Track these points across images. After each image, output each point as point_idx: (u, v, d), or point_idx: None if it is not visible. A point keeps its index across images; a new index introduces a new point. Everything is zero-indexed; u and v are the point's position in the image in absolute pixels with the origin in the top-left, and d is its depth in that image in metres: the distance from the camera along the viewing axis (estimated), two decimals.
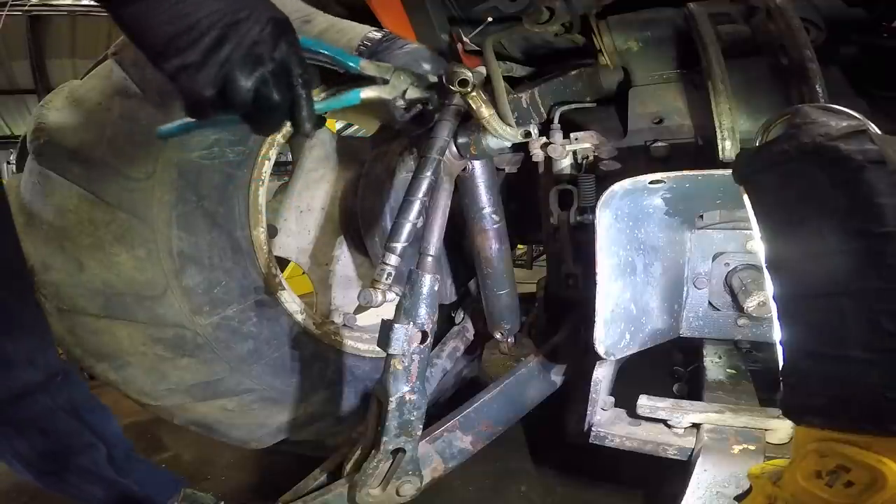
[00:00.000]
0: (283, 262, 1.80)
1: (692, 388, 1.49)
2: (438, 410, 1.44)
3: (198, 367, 1.34)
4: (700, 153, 1.36)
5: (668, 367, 1.62)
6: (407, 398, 1.08)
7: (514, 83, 1.69)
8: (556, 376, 1.49)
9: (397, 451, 1.12)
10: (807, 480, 0.69)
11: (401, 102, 1.15)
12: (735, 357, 1.51)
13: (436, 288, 1.09)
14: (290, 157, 1.92)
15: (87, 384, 1.22)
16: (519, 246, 4.79)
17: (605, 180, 1.32)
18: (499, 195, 1.42)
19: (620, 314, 1.21)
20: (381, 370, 1.10)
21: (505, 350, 1.65)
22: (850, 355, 0.63)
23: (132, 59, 1.23)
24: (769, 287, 0.73)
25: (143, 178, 1.22)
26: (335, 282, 1.91)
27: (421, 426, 1.13)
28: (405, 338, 1.05)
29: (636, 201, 1.18)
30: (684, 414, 1.21)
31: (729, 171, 0.81)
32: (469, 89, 1.05)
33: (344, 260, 1.93)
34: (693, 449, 1.17)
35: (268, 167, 1.43)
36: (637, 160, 1.41)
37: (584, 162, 1.45)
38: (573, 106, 1.60)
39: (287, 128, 1.16)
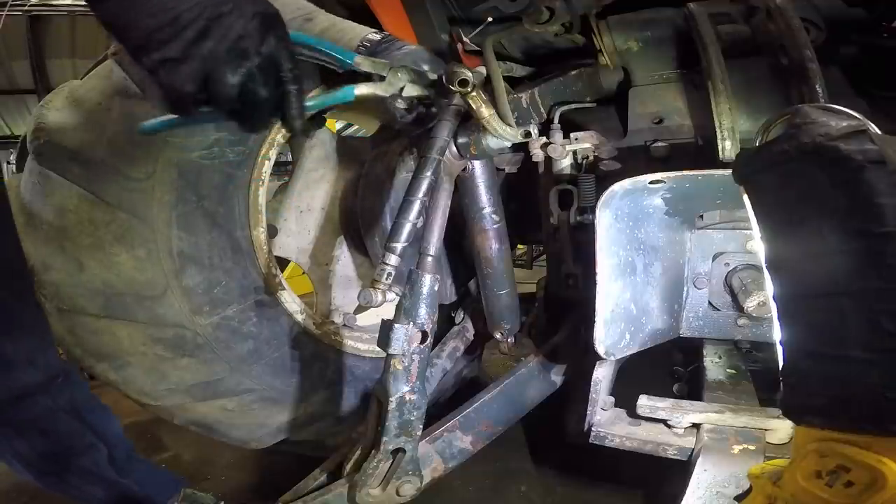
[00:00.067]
0: (283, 262, 1.80)
1: (692, 388, 1.49)
2: (438, 410, 1.44)
3: (198, 367, 1.34)
4: (700, 153, 1.36)
5: (668, 367, 1.62)
6: (407, 398, 1.08)
7: (514, 83, 1.69)
8: (556, 376, 1.49)
9: (397, 451, 1.12)
10: (807, 480, 0.69)
11: (401, 102, 1.15)
12: (735, 357, 1.51)
13: (436, 288, 1.09)
14: (290, 157, 1.92)
15: (88, 384, 1.21)
16: (519, 246, 4.80)
17: (605, 180, 1.33)
18: (499, 195, 1.42)
19: (620, 314, 1.21)
20: (381, 370, 1.10)
21: (505, 350, 1.65)
22: (850, 355, 0.63)
23: (132, 59, 1.23)
24: (769, 287, 0.73)
25: (143, 178, 1.22)
26: (335, 282, 1.91)
27: (421, 426, 1.13)
28: (405, 338, 1.05)
29: (636, 201, 1.18)
30: (684, 414, 1.21)
31: (729, 171, 0.81)
32: (469, 89, 1.05)
33: (344, 260, 1.93)
34: (693, 449, 1.17)
35: (268, 167, 1.42)
36: (637, 160, 1.41)
37: (584, 162, 1.45)
38: (573, 106, 1.60)
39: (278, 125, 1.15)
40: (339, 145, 1.88)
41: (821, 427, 0.67)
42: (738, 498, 1.03)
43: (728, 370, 1.44)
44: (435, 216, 1.17)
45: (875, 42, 1.44)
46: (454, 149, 1.23)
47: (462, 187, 1.36)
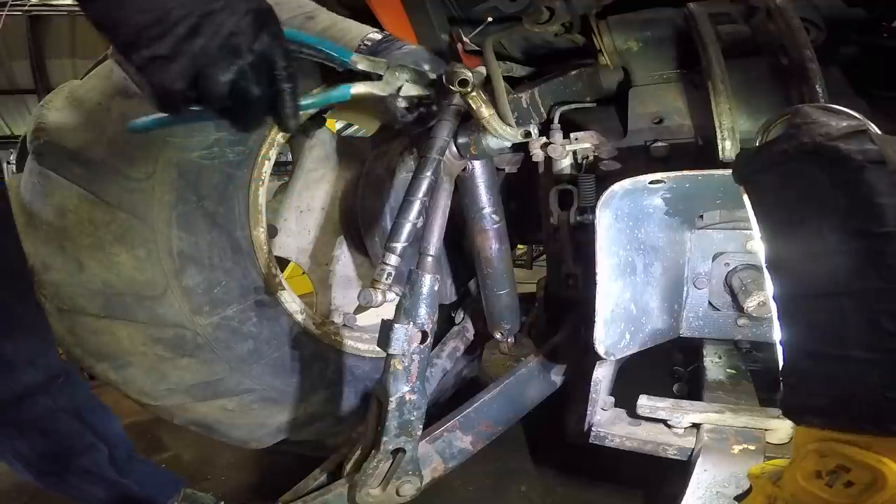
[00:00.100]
0: (283, 262, 1.80)
1: (692, 388, 1.49)
2: (438, 410, 1.44)
3: (198, 367, 1.34)
4: (700, 153, 1.36)
5: (668, 367, 1.62)
6: (407, 398, 1.08)
7: (514, 83, 1.69)
8: (556, 376, 1.49)
9: (397, 451, 1.12)
10: (807, 480, 0.69)
11: (402, 102, 1.15)
12: (735, 357, 1.51)
13: (436, 288, 1.09)
14: (290, 157, 1.92)
15: (89, 384, 1.21)
16: (519, 246, 4.80)
17: (605, 180, 1.33)
18: (499, 195, 1.42)
19: (620, 314, 1.21)
20: (381, 370, 1.10)
21: (505, 350, 1.65)
22: (851, 355, 0.63)
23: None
24: (769, 287, 0.73)
25: (143, 178, 1.22)
26: (335, 282, 1.91)
27: (421, 426, 1.13)
28: (405, 338, 1.05)
29: (636, 201, 1.18)
30: (684, 414, 1.21)
31: (729, 171, 0.81)
32: (469, 89, 1.05)
33: (344, 260, 1.93)
34: (693, 449, 1.17)
35: (268, 167, 1.42)
36: (637, 160, 1.41)
37: (584, 162, 1.45)
38: (573, 106, 1.60)
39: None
40: (339, 145, 1.88)
41: (821, 427, 0.67)
42: (738, 498, 1.03)
43: (728, 370, 1.44)
44: (435, 216, 1.17)
45: (875, 42, 1.44)
46: (454, 149, 1.23)
47: (462, 187, 1.36)
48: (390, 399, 1.07)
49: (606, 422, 1.29)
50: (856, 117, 0.67)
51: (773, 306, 0.72)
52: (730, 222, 1.31)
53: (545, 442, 1.83)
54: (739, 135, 1.27)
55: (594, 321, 1.17)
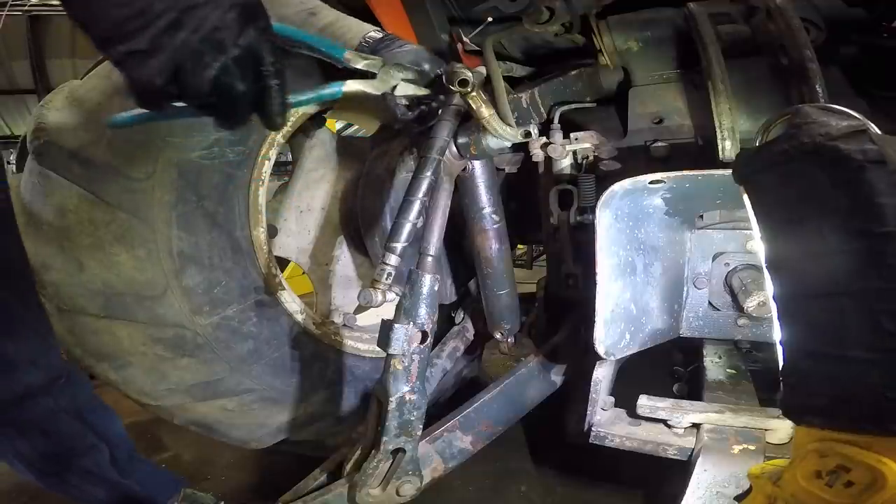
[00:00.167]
0: (283, 262, 1.80)
1: (692, 388, 1.49)
2: (438, 410, 1.44)
3: (198, 367, 1.34)
4: (700, 153, 1.36)
5: (668, 367, 1.62)
6: (407, 398, 1.08)
7: (514, 83, 1.69)
8: (556, 376, 1.49)
9: (397, 451, 1.12)
10: (807, 480, 0.69)
11: (402, 100, 1.14)
12: (735, 357, 1.51)
13: (436, 288, 1.09)
14: (290, 157, 1.92)
15: (90, 384, 1.21)
16: (519, 246, 4.80)
17: (605, 180, 1.33)
18: (499, 195, 1.42)
19: (620, 314, 1.21)
20: (381, 370, 1.10)
21: (505, 350, 1.65)
22: (851, 355, 0.63)
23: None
24: (769, 287, 0.73)
25: (143, 178, 1.22)
26: (335, 282, 1.91)
27: (421, 426, 1.13)
28: (405, 338, 1.05)
29: (636, 201, 1.18)
30: (684, 414, 1.21)
31: (729, 171, 0.81)
32: (469, 89, 1.05)
33: (344, 260, 1.93)
34: (693, 449, 1.17)
35: (268, 167, 1.42)
36: (637, 160, 1.41)
37: (584, 162, 1.45)
38: (573, 106, 1.60)
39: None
40: (339, 145, 1.88)
41: (821, 427, 0.67)
42: (738, 498, 1.03)
43: (728, 370, 1.44)
44: (435, 216, 1.17)
45: (875, 42, 1.44)
46: (454, 149, 1.23)
47: (462, 187, 1.36)
48: (390, 399, 1.07)
49: (606, 422, 1.29)
50: (856, 117, 0.67)
51: (773, 306, 0.72)
52: (730, 222, 1.31)
53: (545, 442, 1.83)
54: (739, 135, 1.27)
55: (594, 321, 1.17)
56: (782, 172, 0.69)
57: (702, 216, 1.32)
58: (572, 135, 1.45)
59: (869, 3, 1.47)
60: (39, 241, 1.21)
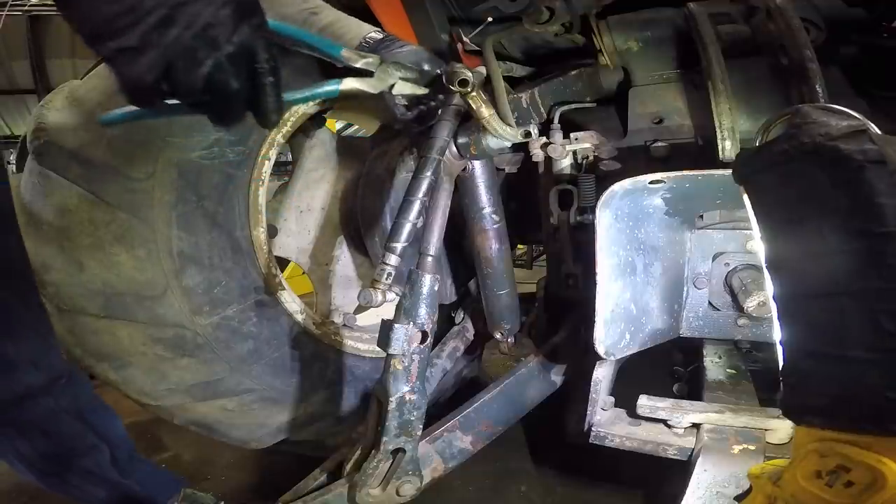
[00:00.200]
0: (283, 262, 1.80)
1: (692, 388, 1.49)
2: (438, 410, 1.44)
3: (198, 367, 1.34)
4: (700, 153, 1.36)
5: (668, 367, 1.62)
6: (407, 398, 1.08)
7: (514, 83, 1.69)
8: (556, 376, 1.49)
9: (397, 451, 1.12)
10: (807, 480, 0.69)
11: (401, 99, 1.14)
12: (735, 357, 1.51)
13: (436, 288, 1.09)
14: (290, 157, 1.92)
15: (91, 384, 1.21)
16: (519, 246, 4.80)
17: (605, 180, 1.32)
18: (499, 195, 1.42)
19: (620, 314, 1.21)
20: (381, 370, 1.10)
21: (505, 350, 1.65)
22: (851, 355, 0.63)
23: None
24: (769, 287, 0.73)
25: (143, 178, 1.22)
26: (335, 282, 1.92)
27: (421, 426, 1.13)
28: (405, 338, 1.05)
29: (636, 201, 1.18)
30: (684, 414, 1.21)
31: (729, 171, 0.81)
32: (469, 89, 1.05)
33: (344, 260, 1.93)
34: (693, 449, 1.17)
35: (268, 167, 1.43)
36: (637, 160, 1.41)
37: (584, 162, 1.45)
38: (573, 106, 1.60)
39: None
40: (339, 145, 1.88)
41: (821, 427, 0.67)
42: (738, 498, 1.03)
43: (728, 370, 1.44)
44: (435, 216, 1.17)
45: (875, 42, 1.44)
46: (454, 149, 1.23)
47: (462, 187, 1.36)
48: (390, 399, 1.07)
49: (606, 422, 1.29)
50: (856, 117, 0.67)
51: (773, 306, 0.72)
52: (730, 222, 1.31)
53: (545, 442, 1.83)
54: (739, 135, 1.27)
55: (594, 321, 1.17)
56: (782, 172, 0.69)
57: (702, 216, 1.32)
58: (572, 135, 1.45)
59: (869, 3, 1.47)
60: (39, 241, 1.21)
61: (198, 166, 1.28)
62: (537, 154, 1.48)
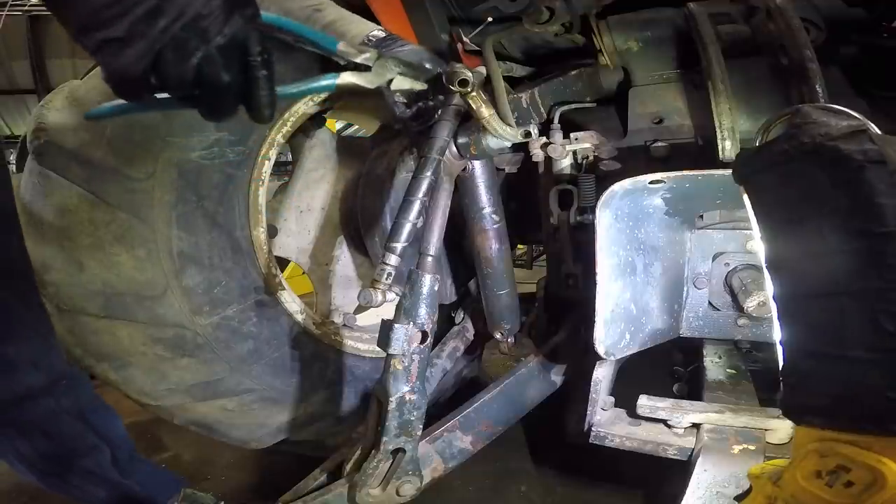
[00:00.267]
0: (283, 262, 1.80)
1: (692, 388, 1.49)
2: (438, 410, 1.44)
3: (198, 367, 1.34)
4: (700, 153, 1.36)
5: (668, 367, 1.62)
6: (407, 398, 1.08)
7: (514, 83, 1.69)
8: (556, 376, 1.49)
9: (397, 451, 1.12)
10: (807, 480, 0.69)
11: (400, 97, 1.14)
12: (735, 357, 1.51)
13: (436, 288, 1.09)
14: (290, 157, 1.92)
15: (92, 385, 1.21)
16: (519, 246, 4.80)
17: (605, 180, 1.33)
18: (499, 195, 1.42)
19: (620, 314, 1.21)
20: (381, 370, 1.10)
21: (505, 350, 1.65)
22: (851, 355, 0.63)
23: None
24: (769, 287, 0.73)
25: (143, 178, 1.22)
26: (335, 282, 1.92)
27: (421, 426, 1.13)
28: (405, 338, 1.05)
29: (636, 201, 1.18)
30: (684, 414, 1.21)
31: (729, 171, 0.81)
32: (469, 89, 1.05)
33: (344, 260, 1.93)
34: (693, 449, 1.17)
35: (268, 167, 1.43)
36: (637, 160, 1.41)
37: (584, 162, 1.45)
38: (573, 106, 1.60)
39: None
40: (339, 145, 1.88)
41: (821, 427, 0.67)
42: (738, 498, 1.03)
43: (728, 370, 1.44)
44: (435, 216, 1.17)
45: (875, 42, 1.44)
46: (454, 149, 1.23)
47: (462, 187, 1.36)
48: (390, 399, 1.07)
49: (606, 422, 1.29)
50: (856, 117, 0.67)
51: (773, 306, 0.72)
52: (730, 222, 1.31)
53: (545, 442, 1.83)
54: (739, 135, 1.27)
55: (594, 321, 1.17)
56: (782, 172, 0.69)
57: (702, 216, 1.32)
58: (572, 135, 1.45)
59: (869, 3, 1.47)
60: (39, 241, 1.21)
61: (198, 166, 1.28)
62: (537, 154, 1.48)
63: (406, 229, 1.06)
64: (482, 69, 1.32)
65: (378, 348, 1.10)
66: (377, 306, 1.10)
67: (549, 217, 1.49)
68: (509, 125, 1.16)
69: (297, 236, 1.84)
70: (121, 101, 0.77)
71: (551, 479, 1.69)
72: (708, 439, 1.15)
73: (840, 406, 0.65)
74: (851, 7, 1.45)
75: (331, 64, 1.14)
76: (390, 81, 1.11)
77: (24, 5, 9.47)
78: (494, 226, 1.41)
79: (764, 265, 0.74)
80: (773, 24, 1.32)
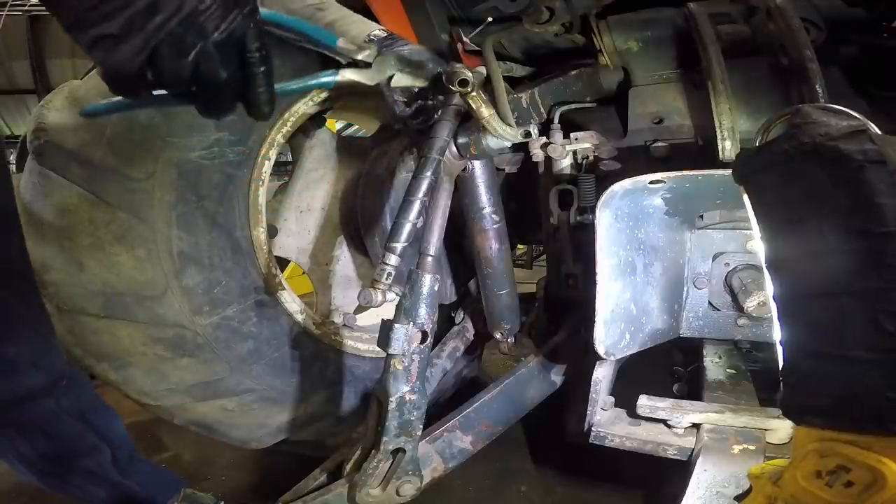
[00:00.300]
0: (283, 262, 1.80)
1: (692, 388, 1.49)
2: (438, 410, 1.44)
3: (198, 367, 1.34)
4: (700, 153, 1.36)
5: (668, 367, 1.62)
6: (407, 398, 1.08)
7: (514, 83, 1.69)
8: (556, 376, 1.49)
9: (397, 451, 1.12)
10: (807, 480, 0.69)
11: (399, 95, 1.14)
12: (735, 357, 1.51)
13: (436, 288, 1.09)
14: (290, 157, 1.92)
15: (92, 385, 1.21)
16: (519, 246, 4.79)
17: (605, 180, 1.33)
18: (499, 195, 1.42)
19: (620, 314, 1.21)
20: (381, 370, 1.10)
21: (505, 350, 1.65)
22: (851, 355, 0.63)
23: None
24: (769, 287, 0.73)
25: (143, 178, 1.22)
26: (335, 282, 1.91)
27: (421, 426, 1.13)
28: (405, 338, 1.05)
29: (636, 201, 1.18)
30: (684, 414, 1.21)
31: (729, 171, 0.81)
32: (469, 89, 1.05)
33: (344, 260, 1.93)
34: (693, 449, 1.17)
35: (268, 167, 1.43)
36: (637, 160, 1.41)
37: (584, 162, 1.45)
38: (573, 106, 1.60)
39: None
40: (339, 145, 1.88)
41: (821, 427, 0.67)
42: (738, 498, 1.03)
43: (728, 370, 1.44)
44: (435, 216, 1.17)
45: (875, 42, 1.44)
46: (454, 149, 1.23)
47: (462, 187, 1.36)
48: (390, 399, 1.07)
49: (606, 422, 1.29)
50: (856, 117, 0.67)
51: (773, 306, 0.72)
52: (730, 222, 1.31)
53: (545, 442, 1.83)
54: (739, 135, 1.27)
55: (594, 321, 1.17)
56: (782, 172, 0.69)
57: (702, 216, 1.32)
58: (572, 135, 1.45)
59: (869, 3, 1.47)
60: (39, 241, 1.21)
61: (198, 166, 1.28)
62: (537, 154, 1.48)
63: (406, 229, 1.06)
64: (482, 69, 1.32)
65: (378, 348, 1.10)
66: (377, 306, 1.10)
67: (549, 217, 1.49)
68: (509, 125, 1.16)
69: (297, 236, 1.84)
70: (117, 98, 0.76)
71: (551, 479, 1.69)
72: (708, 439, 1.15)
73: (840, 406, 0.65)
74: (851, 7, 1.45)
75: (330, 62, 1.14)
76: (390, 78, 1.11)
77: (24, 5, 9.47)
78: (494, 226, 1.41)
79: (764, 265, 0.74)
80: (773, 24, 1.32)
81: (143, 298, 1.25)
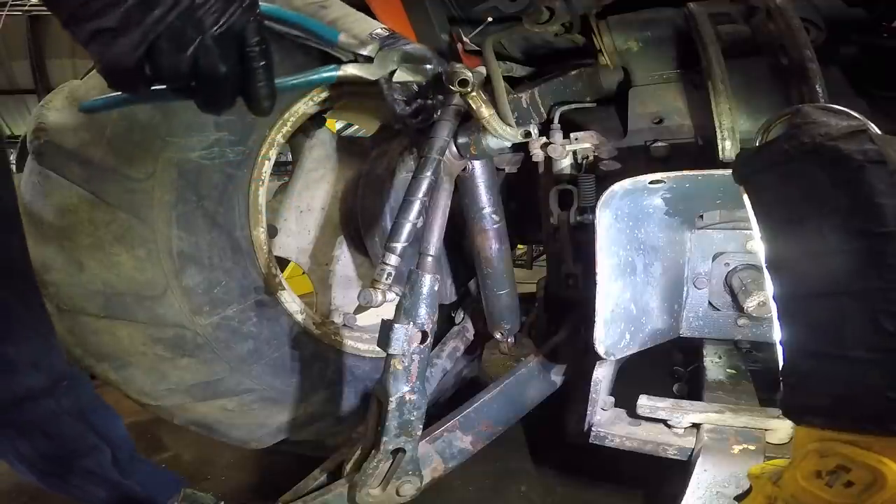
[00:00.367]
0: (283, 262, 1.80)
1: (692, 388, 1.49)
2: (438, 410, 1.44)
3: (198, 367, 1.34)
4: (700, 153, 1.36)
5: (668, 367, 1.62)
6: (407, 398, 1.08)
7: (514, 83, 1.69)
8: (556, 376, 1.49)
9: (397, 451, 1.12)
10: (807, 480, 0.69)
11: (399, 94, 1.13)
12: (735, 357, 1.51)
13: (436, 288, 1.09)
14: (290, 157, 1.92)
15: (92, 385, 1.21)
16: (519, 246, 4.80)
17: (605, 180, 1.33)
18: (499, 195, 1.42)
19: (620, 314, 1.21)
20: (381, 370, 1.10)
21: (505, 350, 1.65)
22: (851, 355, 0.63)
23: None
24: (769, 287, 0.73)
25: (143, 178, 1.22)
26: (335, 282, 1.91)
27: (421, 426, 1.13)
28: (405, 338, 1.05)
29: (636, 201, 1.18)
30: (684, 414, 1.21)
31: (729, 171, 0.81)
32: (469, 89, 1.05)
33: (344, 260, 1.93)
34: (693, 449, 1.17)
35: (268, 167, 1.43)
36: (637, 160, 1.41)
37: (584, 162, 1.45)
38: (573, 106, 1.60)
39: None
40: (339, 145, 1.88)
41: (821, 427, 0.67)
42: (738, 498, 1.03)
43: (728, 370, 1.44)
44: (435, 216, 1.17)
45: (875, 42, 1.44)
46: (454, 149, 1.23)
47: (462, 187, 1.36)
48: (390, 399, 1.07)
49: (606, 422, 1.29)
50: (856, 117, 0.67)
51: (773, 306, 0.72)
52: (730, 222, 1.31)
53: (545, 442, 1.83)
54: (739, 135, 1.27)
55: (594, 321, 1.17)
56: (782, 172, 0.69)
57: (702, 216, 1.32)
58: (572, 135, 1.45)
59: (869, 3, 1.47)
60: (39, 241, 1.21)
61: (198, 166, 1.28)
62: (537, 154, 1.48)
63: (406, 229, 1.06)
64: (482, 69, 1.32)
65: (378, 348, 1.10)
66: (377, 306, 1.10)
67: (549, 217, 1.49)
68: (509, 125, 1.16)
69: (297, 236, 1.84)
70: (116, 93, 0.76)
71: (551, 479, 1.69)
72: (708, 439, 1.15)
73: (840, 406, 0.65)
74: (851, 7, 1.45)
75: (331, 60, 1.14)
76: (391, 74, 1.10)
77: (24, 5, 9.46)
78: (494, 226, 1.41)
79: (764, 265, 0.74)
80: (773, 24, 1.32)
81: (143, 298, 1.25)
